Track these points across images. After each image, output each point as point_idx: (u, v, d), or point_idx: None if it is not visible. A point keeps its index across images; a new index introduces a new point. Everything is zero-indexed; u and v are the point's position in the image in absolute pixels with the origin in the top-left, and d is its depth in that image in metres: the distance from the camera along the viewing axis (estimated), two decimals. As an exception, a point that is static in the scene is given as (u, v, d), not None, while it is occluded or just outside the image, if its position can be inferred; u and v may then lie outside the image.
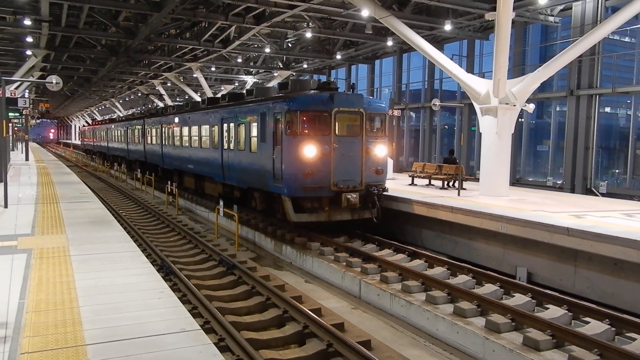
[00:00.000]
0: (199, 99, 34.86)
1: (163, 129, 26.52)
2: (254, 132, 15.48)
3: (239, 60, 32.99)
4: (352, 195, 13.67)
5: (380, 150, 14.37)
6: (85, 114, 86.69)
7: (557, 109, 23.09)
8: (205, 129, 20.22)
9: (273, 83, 33.11)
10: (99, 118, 69.54)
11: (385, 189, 14.47)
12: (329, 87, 14.58)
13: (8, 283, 6.86)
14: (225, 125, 18.00)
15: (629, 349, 7.28)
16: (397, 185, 18.17)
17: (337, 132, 13.69)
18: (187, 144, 22.44)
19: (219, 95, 30.72)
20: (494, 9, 15.97)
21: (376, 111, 14.46)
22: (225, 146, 17.92)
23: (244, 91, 18.89)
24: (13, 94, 22.48)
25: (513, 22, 16.26)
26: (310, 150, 13.34)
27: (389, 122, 15.86)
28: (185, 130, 22.72)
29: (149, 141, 29.63)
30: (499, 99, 15.17)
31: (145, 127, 30.49)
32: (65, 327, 5.41)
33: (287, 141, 13.50)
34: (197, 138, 21.13)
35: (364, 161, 13.99)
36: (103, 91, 52.01)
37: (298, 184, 13.40)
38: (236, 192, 17.93)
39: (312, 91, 14.59)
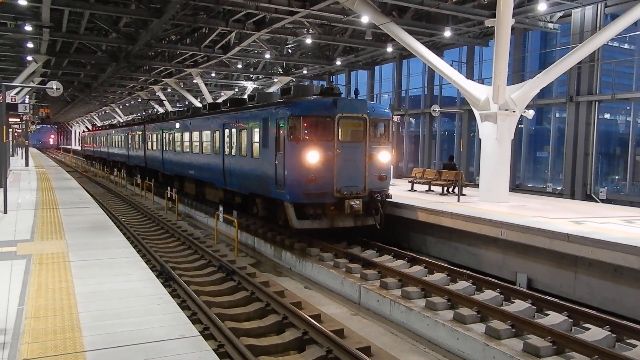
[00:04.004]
0: (199, 104, 34.90)
1: (164, 134, 26.50)
2: (256, 137, 15.38)
3: (239, 66, 33.07)
4: (356, 201, 13.54)
5: (384, 156, 14.24)
6: (85, 120, 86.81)
7: (557, 115, 23.12)
8: (206, 134, 20.17)
9: (273, 89, 33.16)
10: (99, 124, 69.62)
11: (388, 195, 14.35)
12: (332, 92, 14.44)
13: (7, 289, 6.85)
14: (226, 131, 17.92)
15: (629, 355, 7.25)
16: (397, 191, 18.15)
17: (340, 137, 13.54)
18: (188, 150, 22.37)
19: (219, 100, 30.75)
20: (493, 16, 16.06)
21: (380, 117, 14.33)
22: (227, 152, 17.84)
23: (246, 97, 18.81)
24: (13, 100, 22.49)
25: (513, 28, 16.29)
26: (313, 156, 13.22)
27: (392, 127, 15.76)
28: (186, 135, 22.66)
29: (150, 147, 29.62)
30: (499, 105, 15.19)
31: (146, 132, 30.51)
32: (64, 333, 5.40)
33: (289, 147, 13.38)
34: (198, 144, 21.09)
35: (367, 167, 13.88)
36: (103, 97, 52.12)
37: (301, 190, 13.28)
38: (237, 198, 17.83)
39: (315, 96, 14.50)
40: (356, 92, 14.83)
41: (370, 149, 13.95)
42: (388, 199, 14.33)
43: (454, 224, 13.10)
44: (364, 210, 13.75)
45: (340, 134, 13.58)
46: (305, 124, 13.49)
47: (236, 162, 17.06)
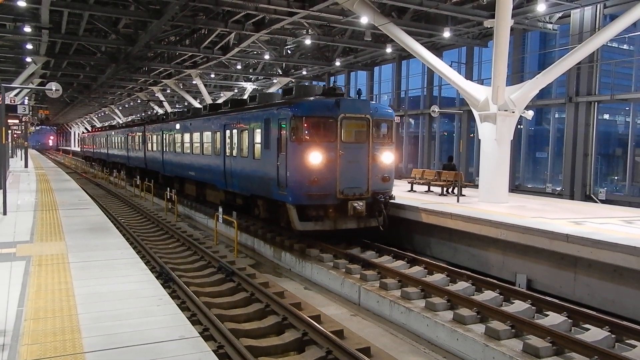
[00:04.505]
0: (198, 105, 34.90)
1: (164, 135, 26.45)
2: (258, 138, 15.23)
3: (239, 67, 33.06)
4: (359, 203, 13.37)
5: (387, 157, 14.10)
6: (84, 121, 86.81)
7: (556, 115, 23.13)
8: (207, 135, 20.05)
9: (272, 90, 33.16)
10: (98, 125, 69.61)
11: (392, 197, 14.22)
12: (334, 93, 14.25)
13: (7, 290, 6.84)
14: (227, 132, 17.77)
15: (629, 356, 7.26)
16: (396, 191, 18.08)
17: (343, 138, 13.40)
18: (189, 151, 22.27)
19: (219, 101, 30.72)
20: (492, 16, 16.08)
21: (383, 117, 14.19)
22: (228, 153, 17.69)
23: (245, 97, 18.70)
24: (13, 101, 22.48)
25: (512, 29, 16.32)
26: (315, 157, 13.06)
27: (395, 128, 15.59)
28: (187, 136, 22.57)
29: (150, 148, 29.56)
30: (498, 106, 15.20)
31: (146, 133, 30.46)
32: (63, 334, 5.40)
33: (292, 148, 13.22)
34: (198, 145, 20.99)
35: (370, 168, 13.72)
36: (102, 98, 52.08)
37: (303, 191, 13.13)
38: (239, 199, 17.68)
39: (317, 97, 14.30)
40: (359, 93, 14.67)
41: (374, 150, 13.81)
42: (391, 201, 14.21)
43: (453, 224, 13.10)
44: (367, 212, 13.60)
45: (343, 134, 13.43)
46: (307, 125, 13.35)
47: (237, 163, 16.93)
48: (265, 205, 15.78)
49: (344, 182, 13.40)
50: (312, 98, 14.20)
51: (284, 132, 13.52)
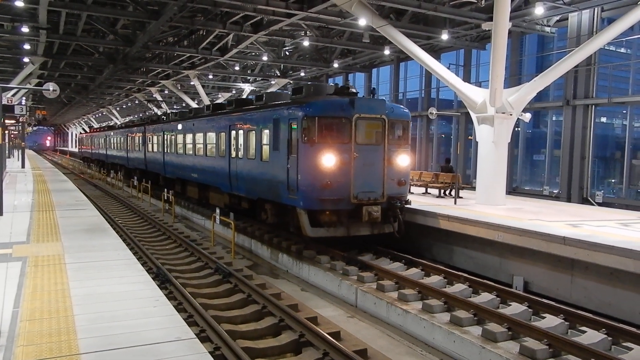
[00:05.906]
0: (196, 106, 34.84)
1: (165, 136, 26.01)
2: (266, 139, 14.66)
3: (237, 68, 33.07)
4: (374, 208, 12.75)
5: (403, 159, 13.45)
6: (82, 122, 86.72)
7: (554, 118, 23.20)
8: (210, 136, 19.49)
9: (271, 90, 33.17)
10: (95, 125, 69.52)
11: (408, 202, 13.65)
12: (347, 92, 13.65)
13: (2, 291, 6.82)
14: (233, 132, 17.18)
15: (625, 358, 7.27)
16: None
17: (357, 140, 12.75)
18: (192, 152, 21.71)
19: (217, 102, 30.68)
20: (490, 19, 16.13)
21: (399, 118, 13.50)
22: (233, 154, 17.09)
23: (253, 97, 18.17)
24: (10, 101, 22.46)
25: (510, 32, 16.34)
26: (328, 160, 12.42)
27: (411, 129, 15.04)
28: (190, 137, 22.03)
29: (150, 149, 29.15)
30: (496, 108, 15.22)
31: (146, 134, 30.13)
32: (59, 336, 5.38)
33: (303, 150, 12.61)
34: (202, 146, 20.44)
35: (385, 171, 13.10)
36: (100, 98, 52.06)
37: (315, 195, 12.46)
38: (244, 203, 16.99)
39: (329, 96, 13.65)
40: (373, 92, 14.27)
41: (389, 152, 13.18)
42: (407, 205, 13.69)
43: (450, 226, 13.11)
44: (382, 218, 12.98)
45: (357, 135, 12.76)
46: (320, 126, 12.58)
47: (243, 165, 16.33)
48: (273, 209, 15.09)
49: (358, 186, 12.73)
50: (324, 97, 13.60)
51: (295, 133, 12.94)
